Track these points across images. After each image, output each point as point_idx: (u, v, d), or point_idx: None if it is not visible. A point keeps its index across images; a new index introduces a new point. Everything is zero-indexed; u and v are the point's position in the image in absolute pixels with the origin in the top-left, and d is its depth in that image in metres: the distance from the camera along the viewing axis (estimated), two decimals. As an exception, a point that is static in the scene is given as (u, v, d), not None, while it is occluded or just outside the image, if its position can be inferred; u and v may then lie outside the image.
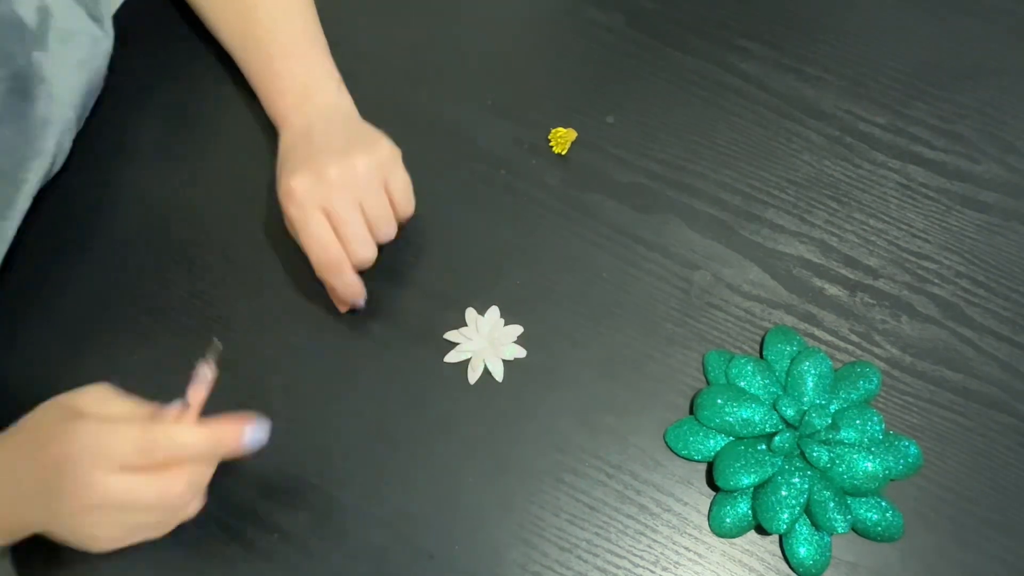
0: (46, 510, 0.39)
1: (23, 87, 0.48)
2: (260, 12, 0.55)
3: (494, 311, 0.54)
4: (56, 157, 0.53)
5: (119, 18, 0.58)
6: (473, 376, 0.53)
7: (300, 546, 0.47)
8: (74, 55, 0.52)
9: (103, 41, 0.54)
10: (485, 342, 0.53)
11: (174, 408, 0.41)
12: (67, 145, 0.54)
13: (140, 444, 0.38)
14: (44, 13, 0.50)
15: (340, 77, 0.56)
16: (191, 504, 0.42)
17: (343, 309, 0.53)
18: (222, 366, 0.52)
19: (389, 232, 0.51)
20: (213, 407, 0.47)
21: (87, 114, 0.56)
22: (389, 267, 0.56)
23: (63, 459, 0.38)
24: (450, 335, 0.54)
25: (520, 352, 0.54)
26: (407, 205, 0.52)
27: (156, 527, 0.41)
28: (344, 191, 0.49)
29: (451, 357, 0.53)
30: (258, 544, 0.47)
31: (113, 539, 0.41)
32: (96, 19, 0.54)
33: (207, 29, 0.60)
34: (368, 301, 0.54)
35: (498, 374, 0.53)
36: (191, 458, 0.40)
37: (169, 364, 0.52)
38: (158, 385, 0.51)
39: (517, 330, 0.54)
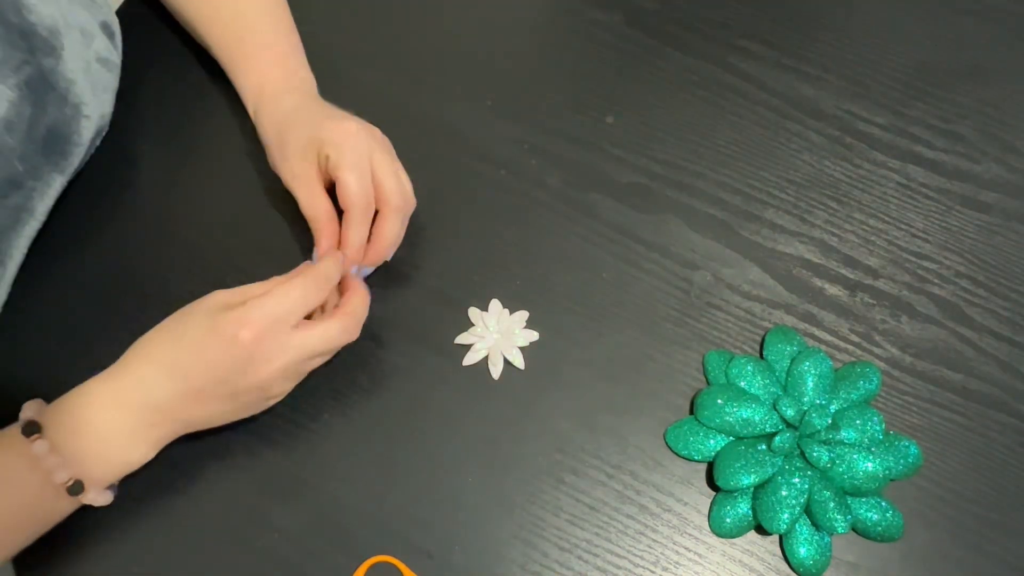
0: (228, 395, 0.44)
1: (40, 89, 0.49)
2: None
3: (496, 304, 0.54)
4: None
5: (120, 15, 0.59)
6: (496, 371, 0.53)
7: (300, 546, 0.47)
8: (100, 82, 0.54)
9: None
10: (496, 335, 0.54)
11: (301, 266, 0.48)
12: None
13: (299, 299, 0.44)
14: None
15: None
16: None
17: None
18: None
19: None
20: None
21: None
22: (388, 267, 0.56)
23: (250, 341, 0.42)
24: (461, 338, 0.54)
25: (533, 335, 0.54)
26: None
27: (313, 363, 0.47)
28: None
29: (468, 359, 0.53)
30: (258, 544, 0.47)
31: (284, 393, 0.47)
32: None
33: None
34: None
35: (519, 362, 0.53)
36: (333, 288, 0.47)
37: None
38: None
39: (524, 316, 0.54)
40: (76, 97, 0.51)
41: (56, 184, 0.51)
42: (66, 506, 0.43)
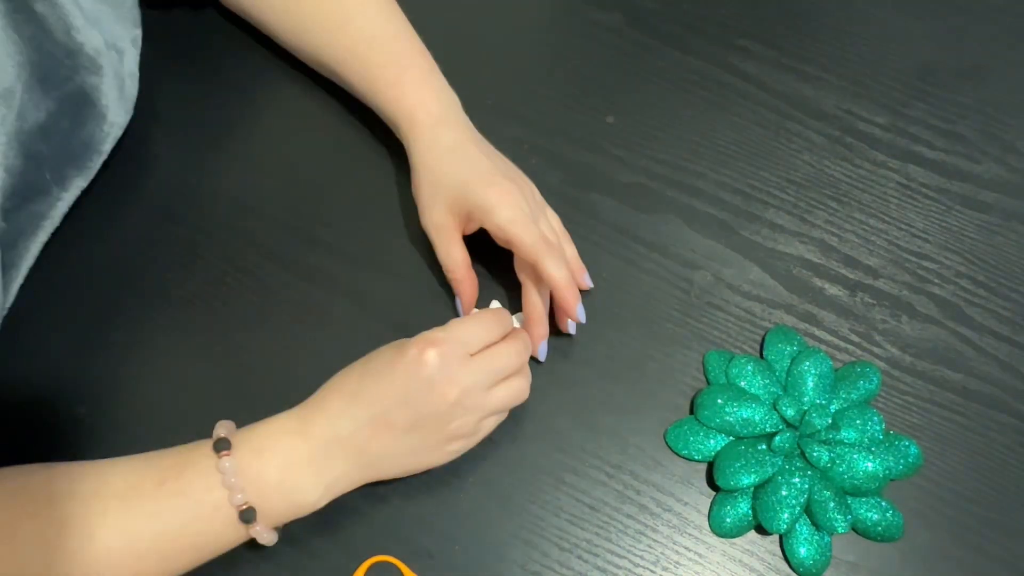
0: (410, 423, 0.44)
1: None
2: (355, 25, 0.56)
3: (495, 304, 0.54)
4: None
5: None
6: None
7: (300, 546, 0.47)
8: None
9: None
10: None
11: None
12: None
13: (479, 329, 0.46)
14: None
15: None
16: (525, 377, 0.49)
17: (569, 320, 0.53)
18: (223, 366, 0.52)
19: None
20: (210, 404, 0.47)
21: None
22: (388, 267, 0.56)
23: (434, 357, 0.44)
24: None
25: None
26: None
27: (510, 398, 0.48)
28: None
29: None
30: (258, 544, 0.47)
31: (464, 434, 0.46)
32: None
33: (290, 50, 0.60)
34: (368, 300, 0.55)
35: None
36: (511, 329, 0.49)
37: (167, 364, 0.52)
38: (155, 384, 0.51)
39: (523, 316, 0.54)
40: (113, 114, 0.53)
41: (77, 191, 0.52)
42: (233, 536, 0.43)
